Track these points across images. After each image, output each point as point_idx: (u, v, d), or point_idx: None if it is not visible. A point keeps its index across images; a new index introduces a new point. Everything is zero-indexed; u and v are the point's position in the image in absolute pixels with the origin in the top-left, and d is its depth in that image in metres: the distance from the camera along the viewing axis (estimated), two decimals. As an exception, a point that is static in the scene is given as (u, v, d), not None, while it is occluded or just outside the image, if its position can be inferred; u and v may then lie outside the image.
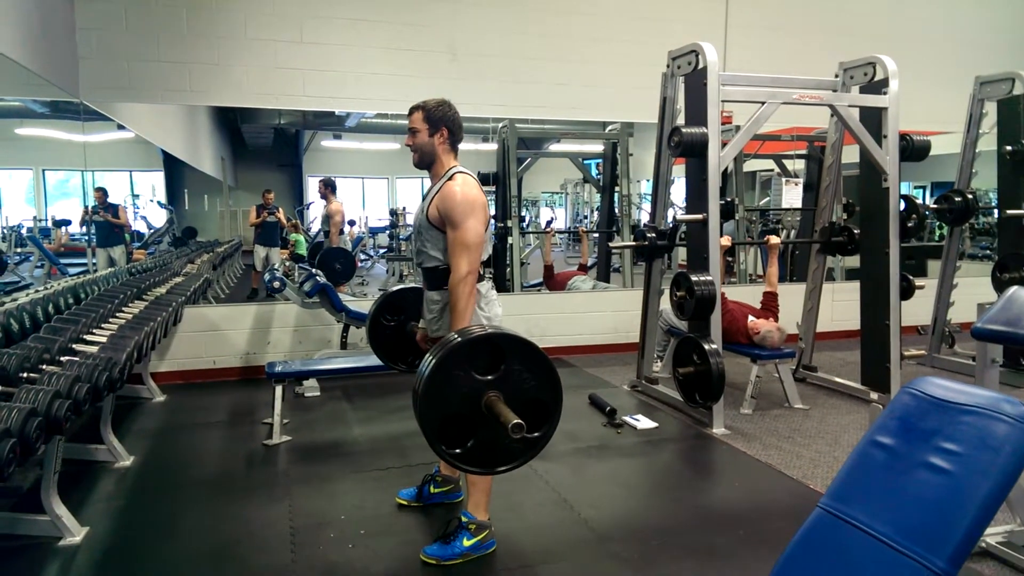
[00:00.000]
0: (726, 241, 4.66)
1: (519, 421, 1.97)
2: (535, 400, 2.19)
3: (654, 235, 4.98)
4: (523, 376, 2.16)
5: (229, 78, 5.51)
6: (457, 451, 2.17)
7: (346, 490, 3.51)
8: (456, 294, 2.62)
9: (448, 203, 2.63)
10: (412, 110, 2.77)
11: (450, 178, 2.69)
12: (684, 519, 3.23)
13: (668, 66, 4.81)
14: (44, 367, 3.10)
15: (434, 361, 2.10)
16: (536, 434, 2.19)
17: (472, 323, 2.63)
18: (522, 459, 2.23)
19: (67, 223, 6.43)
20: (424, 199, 2.83)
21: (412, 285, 3.57)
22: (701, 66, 4.35)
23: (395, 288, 3.61)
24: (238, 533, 3.07)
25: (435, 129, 2.73)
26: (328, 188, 8.02)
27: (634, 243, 5.11)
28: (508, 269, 7.11)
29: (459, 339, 2.14)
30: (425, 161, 2.80)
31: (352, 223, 10.27)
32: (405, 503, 3.28)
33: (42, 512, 2.93)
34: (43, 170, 6.68)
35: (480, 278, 2.78)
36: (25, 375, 2.97)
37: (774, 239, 5.17)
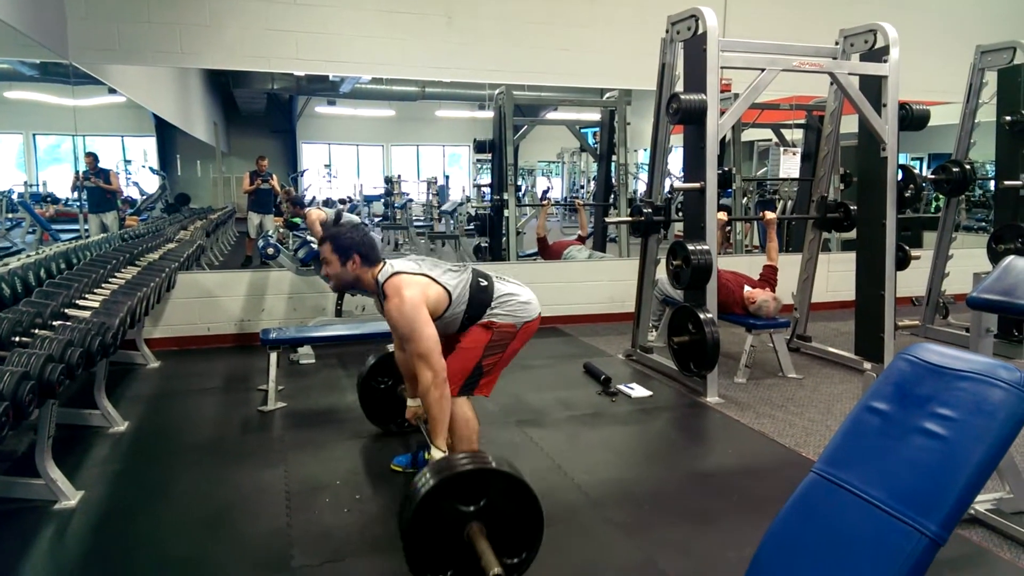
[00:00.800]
0: (722, 216, 4.64)
1: (499, 571, 1.94)
2: (518, 529, 2.18)
3: (650, 210, 4.95)
4: (507, 508, 2.15)
5: (221, 40, 5.41)
6: None
7: (341, 456, 3.53)
8: (427, 403, 2.64)
9: (392, 321, 2.67)
10: (321, 241, 2.84)
11: (385, 296, 2.70)
12: (677, 485, 3.25)
13: (667, 31, 4.74)
14: (36, 331, 3.07)
15: (425, 493, 2.08)
16: (515, 560, 2.17)
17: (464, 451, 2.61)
18: None
19: (55, 200, 6.41)
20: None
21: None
22: (700, 31, 4.28)
23: (387, 351, 3.61)
24: (233, 498, 3.08)
25: (346, 258, 2.74)
26: (296, 206, 7.93)
27: (630, 218, 5.08)
28: (504, 239, 7.08)
29: (440, 477, 2.10)
30: (344, 287, 2.88)
31: (345, 201, 10.23)
32: (400, 469, 3.29)
33: (37, 476, 2.93)
34: (33, 134, 6.59)
35: (487, 284, 2.83)
36: (17, 339, 2.96)
37: (770, 214, 5.17)
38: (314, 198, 9.95)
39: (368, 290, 2.84)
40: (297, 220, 8.62)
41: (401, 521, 2.14)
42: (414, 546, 2.09)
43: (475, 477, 2.14)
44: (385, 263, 2.78)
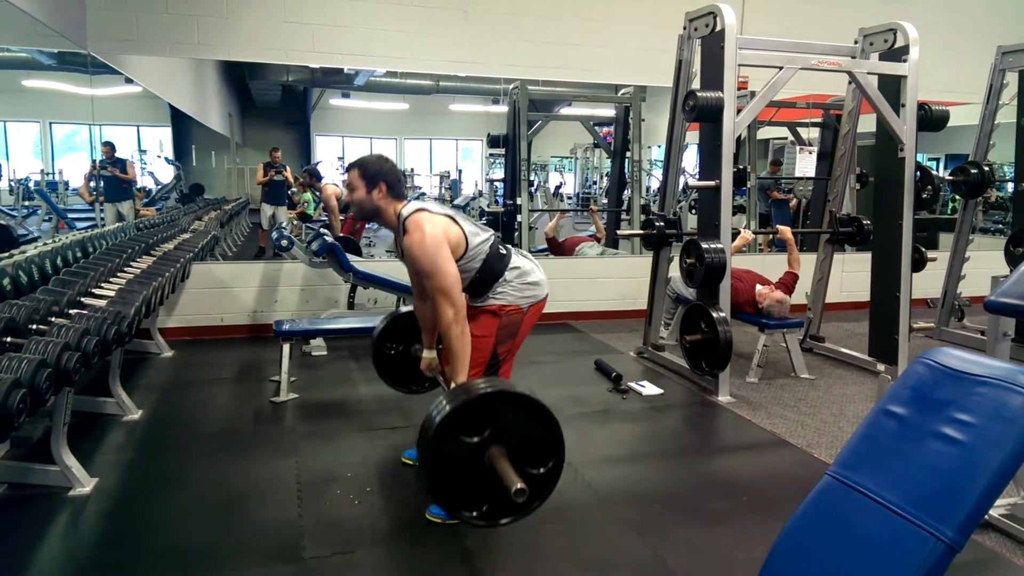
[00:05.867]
0: (747, 235, 4.71)
1: (521, 486, 1.95)
2: (537, 439, 2.17)
3: (663, 224, 4.93)
4: (519, 423, 2.15)
5: (238, 31, 5.43)
6: (475, 514, 2.15)
7: (352, 448, 3.54)
8: (448, 339, 2.61)
9: (413, 257, 2.62)
10: (349, 168, 2.79)
11: (405, 230, 2.65)
12: (687, 484, 3.24)
13: (685, 28, 4.71)
14: (53, 319, 3.10)
15: (428, 442, 2.08)
16: (543, 470, 2.17)
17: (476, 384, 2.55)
18: (538, 500, 2.19)
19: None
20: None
21: (412, 309, 3.52)
22: (719, 28, 4.26)
23: (394, 313, 3.55)
24: (245, 487, 3.10)
25: (373, 184, 2.70)
26: (313, 178, 7.90)
27: (642, 231, 5.06)
28: (516, 234, 7.07)
29: (442, 415, 2.09)
30: (364, 215, 2.79)
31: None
32: (411, 463, 3.30)
33: (52, 462, 2.96)
34: (50, 123, 6.65)
35: (506, 254, 2.80)
36: (34, 327, 2.98)
37: (784, 230, 5.19)
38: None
39: (388, 224, 2.78)
40: (310, 199, 8.62)
41: (422, 468, 2.14)
42: (442, 488, 2.11)
43: (475, 406, 2.12)
44: (409, 200, 2.75)
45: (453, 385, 2.58)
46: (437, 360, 3.04)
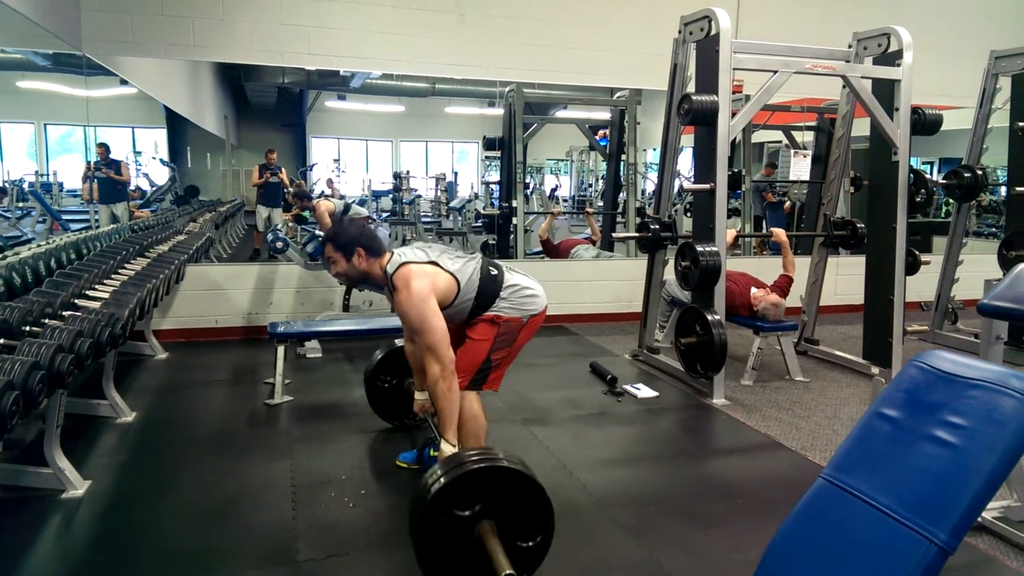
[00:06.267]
0: (731, 234, 4.67)
1: (509, 572, 1.93)
2: (527, 514, 2.17)
3: (658, 227, 4.93)
4: (510, 498, 2.14)
5: (234, 33, 5.42)
6: None
7: (347, 450, 3.53)
8: (435, 396, 2.64)
9: (402, 313, 2.68)
10: (323, 241, 2.88)
11: (394, 287, 2.68)
12: (682, 487, 3.25)
13: (680, 32, 4.72)
14: (46, 321, 3.09)
15: (420, 516, 2.08)
16: (531, 544, 2.17)
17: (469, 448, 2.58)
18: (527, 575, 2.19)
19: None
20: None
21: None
22: (714, 32, 4.27)
23: (390, 347, 3.60)
24: (239, 490, 3.09)
25: (349, 253, 2.74)
26: (304, 199, 7.89)
27: (637, 235, 5.07)
28: (512, 236, 7.07)
29: (435, 489, 2.08)
30: (354, 282, 2.89)
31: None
32: (405, 466, 3.30)
33: (45, 465, 2.94)
34: (45, 124, 6.63)
35: (498, 273, 2.82)
36: (28, 328, 2.97)
37: (779, 232, 5.19)
38: (322, 192, 9.95)
39: (378, 283, 2.83)
40: (305, 213, 8.62)
41: (412, 536, 2.14)
42: (430, 561, 2.11)
43: (473, 479, 2.12)
44: (393, 253, 2.77)
45: (443, 443, 2.63)
46: (430, 403, 3.03)
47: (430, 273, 2.68)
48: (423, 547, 2.10)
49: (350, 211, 6.88)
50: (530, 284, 2.91)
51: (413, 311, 2.61)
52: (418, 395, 3.12)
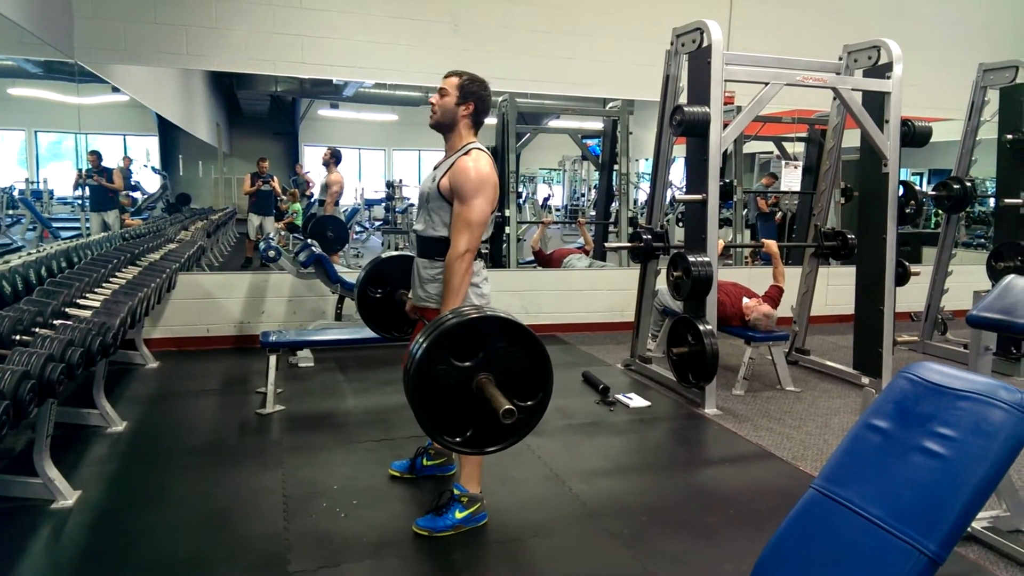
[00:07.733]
0: (719, 246, 4.69)
1: (510, 407, 1.94)
2: (526, 370, 2.17)
3: (650, 237, 4.96)
4: (509, 352, 2.14)
5: (227, 42, 5.43)
6: (458, 439, 2.16)
7: (339, 460, 3.52)
8: (451, 270, 2.62)
9: (460, 178, 2.62)
10: (449, 74, 2.79)
11: (466, 152, 2.68)
12: (674, 497, 3.25)
13: (672, 43, 4.76)
14: (37, 330, 3.07)
15: (417, 361, 2.08)
16: (531, 402, 2.16)
17: (465, 303, 2.61)
18: (524, 431, 2.20)
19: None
20: (435, 168, 2.82)
21: (397, 254, 3.54)
22: (705, 44, 4.30)
23: (380, 258, 3.55)
24: (231, 500, 3.08)
25: (463, 100, 2.73)
26: (333, 159, 7.92)
27: (629, 244, 5.09)
28: (504, 245, 7.08)
29: (436, 332, 2.09)
30: (441, 124, 2.78)
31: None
32: (398, 475, 3.29)
33: (34, 475, 2.93)
34: (35, 131, 6.60)
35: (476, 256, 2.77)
36: (18, 338, 2.95)
37: (770, 243, 5.23)
38: (316, 199, 9.95)
39: (451, 143, 2.77)
40: (299, 210, 8.62)
41: (406, 388, 2.13)
42: (427, 412, 2.10)
43: (472, 328, 2.11)
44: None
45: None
46: (423, 298, 2.98)
47: (496, 184, 2.67)
48: (420, 398, 2.09)
49: None
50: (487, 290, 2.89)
51: (471, 181, 2.59)
52: (411, 295, 3.04)
